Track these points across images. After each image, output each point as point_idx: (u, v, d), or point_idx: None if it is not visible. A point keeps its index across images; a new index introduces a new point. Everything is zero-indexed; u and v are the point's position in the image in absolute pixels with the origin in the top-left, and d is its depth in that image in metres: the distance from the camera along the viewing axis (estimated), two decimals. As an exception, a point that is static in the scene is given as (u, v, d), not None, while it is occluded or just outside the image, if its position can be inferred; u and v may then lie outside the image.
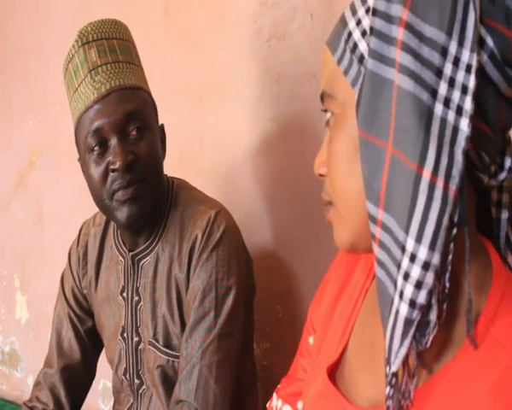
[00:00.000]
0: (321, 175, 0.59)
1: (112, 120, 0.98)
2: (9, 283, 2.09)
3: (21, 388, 2.04)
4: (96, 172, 1.00)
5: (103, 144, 0.99)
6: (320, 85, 0.57)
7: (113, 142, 0.98)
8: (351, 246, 0.56)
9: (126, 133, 0.99)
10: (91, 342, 1.21)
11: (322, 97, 0.57)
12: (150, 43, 1.54)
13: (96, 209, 1.23)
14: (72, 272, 1.21)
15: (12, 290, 2.08)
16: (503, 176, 0.51)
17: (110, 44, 1.01)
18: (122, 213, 1.00)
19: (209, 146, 1.49)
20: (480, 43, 0.46)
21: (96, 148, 0.99)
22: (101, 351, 1.25)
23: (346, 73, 0.53)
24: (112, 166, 0.98)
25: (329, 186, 0.56)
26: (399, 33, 0.47)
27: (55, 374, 1.19)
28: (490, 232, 0.56)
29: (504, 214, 0.56)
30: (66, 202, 1.88)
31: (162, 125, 1.11)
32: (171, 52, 1.53)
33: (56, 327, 1.21)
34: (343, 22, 0.54)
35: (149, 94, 1.07)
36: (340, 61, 0.53)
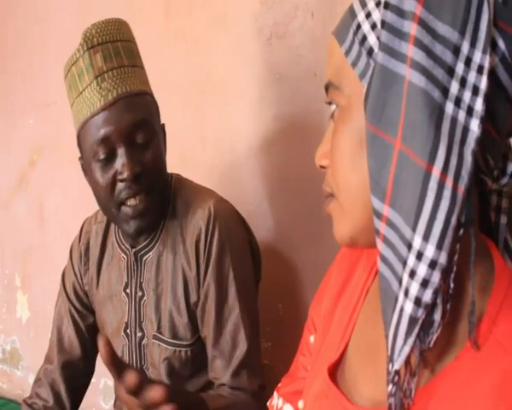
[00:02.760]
0: (322, 167, 0.58)
1: (119, 128, 0.98)
2: (10, 282, 2.09)
3: (22, 386, 2.04)
4: (103, 180, 1.01)
5: (111, 153, 1.00)
6: (326, 76, 0.57)
7: (121, 151, 0.99)
8: (350, 240, 0.56)
9: (133, 142, 1.00)
10: (92, 339, 1.21)
11: (327, 88, 0.56)
12: (151, 43, 1.54)
13: (97, 206, 1.23)
14: (73, 269, 1.21)
15: (13, 289, 2.08)
16: (505, 181, 0.51)
17: (115, 47, 1.02)
18: (129, 227, 1.02)
19: (210, 145, 1.49)
20: (491, 45, 0.45)
21: (103, 156, 1.00)
22: None
23: (354, 65, 0.52)
24: (120, 177, 0.99)
25: (331, 178, 0.56)
26: (412, 28, 0.46)
27: (55, 370, 1.19)
28: (489, 236, 0.56)
29: (503, 219, 0.56)
30: (67, 201, 1.88)
31: (163, 125, 1.11)
32: (172, 51, 1.53)
33: (57, 323, 1.21)
34: (352, 14, 0.53)
35: (152, 96, 1.08)
36: (348, 53, 0.53)
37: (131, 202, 1.00)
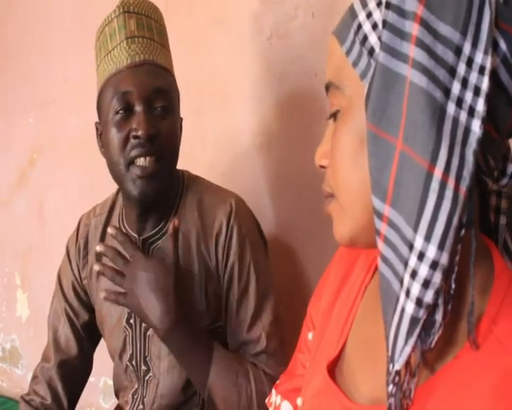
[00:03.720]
0: (322, 166, 0.58)
1: (141, 89, 0.99)
2: (10, 280, 2.09)
3: (22, 385, 2.04)
4: (117, 136, 1.00)
5: (128, 109, 1.00)
6: (326, 76, 0.57)
7: (139, 109, 0.99)
8: (350, 240, 0.56)
9: (152, 107, 1.01)
10: (88, 336, 1.21)
11: (328, 88, 0.56)
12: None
13: (95, 203, 1.23)
14: (71, 265, 1.20)
15: (13, 288, 2.08)
16: (504, 182, 0.51)
17: (148, 22, 1.04)
18: (136, 188, 1.01)
19: (210, 144, 1.49)
20: (493, 46, 0.45)
21: (120, 111, 1.00)
22: (97, 344, 1.25)
23: (355, 64, 0.52)
24: (134, 133, 0.99)
25: (332, 178, 0.56)
26: (414, 29, 0.46)
27: (52, 369, 1.19)
28: (488, 236, 0.56)
29: (503, 220, 0.56)
30: (66, 200, 1.88)
31: (181, 119, 1.12)
32: (172, 51, 1.53)
33: (53, 323, 1.21)
34: (352, 13, 0.53)
35: (175, 80, 1.09)
36: (348, 53, 0.53)
37: (141, 161, 0.99)
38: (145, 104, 1.00)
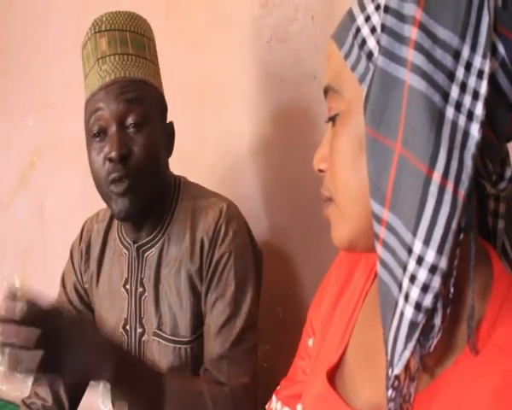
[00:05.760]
0: (320, 170, 0.58)
1: (111, 109, 1.00)
2: (10, 283, 2.09)
3: (22, 388, 2.04)
4: (96, 160, 1.03)
5: (103, 132, 1.02)
6: (325, 79, 0.56)
7: (111, 130, 1.01)
8: (349, 244, 0.56)
9: (125, 124, 1.01)
10: None
11: (326, 91, 0.56)
12: (151, 44, 1.54)
13: (97, 208, 1.23)
14: (74, 268, 1.21)
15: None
16: (503, 186, 0.51)
17: (122, 36, 1.04)
18: (116, 206, 1.03)
19: (210, 147, 1.49)
20: (491, 50, 0.45)
21: (96, 134, 1.02)
22: None
23: (353, 68, 0.52)
24: (107, 156, 1.00)
25: (330, 182, 0.56)
26: (412, 33, 0.46)
27: None
28: (486, 240, 0.56)
29: (501, 224, 0.55)
30: (67, 202, 1.88)
31: (171, 123, 1.12)
32: (172, 52, 1.53)
33: None
34: (351, 17, 0.53)
35: (157, 89, 1.08)
36: (347, 56, 0.53)
37: (118, 181, 1.01)
38: (117, 123, 1.00)
